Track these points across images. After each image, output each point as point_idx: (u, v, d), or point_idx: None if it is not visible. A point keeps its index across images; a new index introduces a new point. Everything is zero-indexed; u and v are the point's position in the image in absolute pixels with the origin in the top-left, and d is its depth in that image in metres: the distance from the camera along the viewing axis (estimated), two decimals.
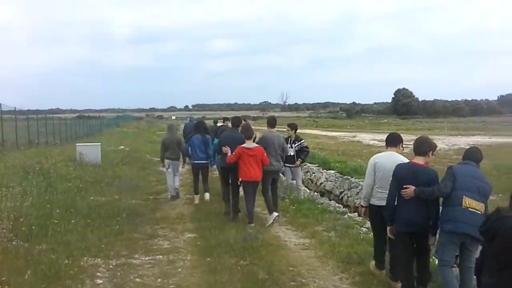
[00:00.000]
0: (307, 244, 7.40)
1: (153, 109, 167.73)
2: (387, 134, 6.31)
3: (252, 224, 8.35)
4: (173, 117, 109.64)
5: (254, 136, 8.98)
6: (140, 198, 10.80)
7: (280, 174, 10.58)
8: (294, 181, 11.19)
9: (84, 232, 7.35)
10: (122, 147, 24.73)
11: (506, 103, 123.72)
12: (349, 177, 14.35)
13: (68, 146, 22.31)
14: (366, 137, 33.12)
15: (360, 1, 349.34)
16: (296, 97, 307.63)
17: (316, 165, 17.28)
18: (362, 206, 6.16)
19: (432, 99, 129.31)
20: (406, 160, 5.70)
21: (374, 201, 5.76)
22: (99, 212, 8.53)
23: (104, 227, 7.74)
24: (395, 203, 5.26)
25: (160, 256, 6.67)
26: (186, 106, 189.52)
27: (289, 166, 10.86)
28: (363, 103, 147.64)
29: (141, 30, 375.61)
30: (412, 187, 5.09)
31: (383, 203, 5.53)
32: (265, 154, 8.49)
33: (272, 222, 8.51)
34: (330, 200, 12.32)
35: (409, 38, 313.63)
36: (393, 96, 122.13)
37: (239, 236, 7.41)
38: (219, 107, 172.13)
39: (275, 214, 8.62)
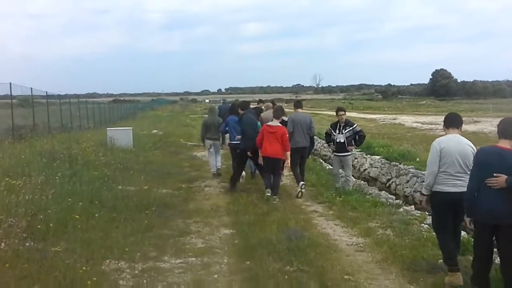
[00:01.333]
0: (361, 245, 6.38)
1: (187, 93, 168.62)
2: (446, 114, 5.65)
3: (269, 194, 8.83)
4: (207, 101, 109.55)
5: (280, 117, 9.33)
6: (172, 187, 9.97)
7: (328, 165, 9.65)
8: (341, 171, 10.09)
9: (109, 228, 6.54)
10: (155, 131, 24.16)
11: None
12: (396, 163, 13.16)
13: (101, 131, 21.76)
14: (407, 120, 31.49)
15: None
16: (329, 79, 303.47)
17: (358, 150, 16.07)
18: (423, 195, 5.45)
19: (471, 80, 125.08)
20: (471, 143, 5.21)
21: (443, 188, 5.14)
22: (127, 204, 7.71)
23: (131, 222, 6.91)
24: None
25: (193, 259, 5.76)
26: (219, 90, 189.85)
27: (338, 155, 9.85)
28: (398, 84, 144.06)
29: (173, 15, 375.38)
30: (504, 176, 4.33)
31: (454, 189, 5.06)
32: (286, 135, 8.99)
33: (301, 191, 9.32)
34: (377, 188, 11.19)
35: (446, 17, 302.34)
36: (431, 77, 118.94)
37: (282, 234, 6.48)
38: (252, 90, 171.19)
39: (301, 182, 9.41)
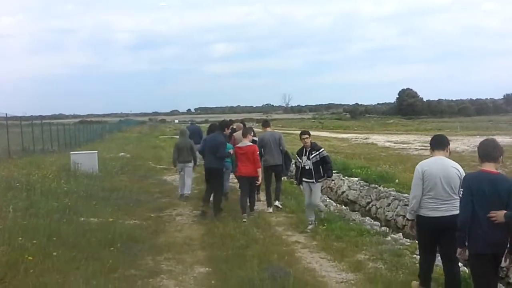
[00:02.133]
0: (352, 282, 5.77)
1: (155, 113, 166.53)
2: (432, 136, 5.55)
3: (245, 215, 8.97)
4: (176, 121, 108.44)
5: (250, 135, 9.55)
6: (140, 217, 9.18)
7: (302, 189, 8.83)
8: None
9: (67, 270, 5.73)
10: (123, 153, 23.15)
11: None
12: (375, 185, 12.71)
13: (66, 154, 20.60)
14: (379, 139, 31.34)
15: (360, 3, 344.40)
16: (298, 99, 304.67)
17: (335, 171, 15.57)
18: (408, 219, 5.48)
19: (436, 99, 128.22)
20: (457, 165, 5.10)
21: (425, 212, 5.08)
22: (89, 240, 6.89)
23: (93, 261, 6.09)
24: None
25: None
26: (189, 110, 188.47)
27: (307, 181, 8.54)
28: (366, 103, 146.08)
29: (142, 35, 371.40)
30: (502, 212, 4.10)
31: (438, 213, 4.99)
32: (257, 152, 9.19)
33: (271, 211, 9.69)
34: (359, 213, 10.57)
35: (410, 39, 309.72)
36: (398, 96, 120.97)
37: (265, 272, 5.81)
38: (222, 110, 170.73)
39: (276, 203, 9.92)
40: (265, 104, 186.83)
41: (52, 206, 8.46)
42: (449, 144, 5.32)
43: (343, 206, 11.10)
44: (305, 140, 8.48)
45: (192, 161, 11.39)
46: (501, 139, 27.30)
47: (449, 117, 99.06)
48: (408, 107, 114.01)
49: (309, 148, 8.49)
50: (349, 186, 13.92)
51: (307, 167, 8.44)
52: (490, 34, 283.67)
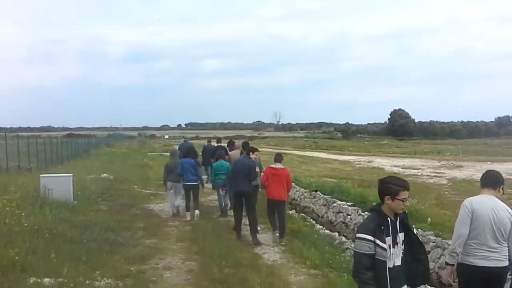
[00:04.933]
0: None
1: (145, 128, 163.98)
2: (483, 173, 4.74)
3: (277, 234, 9.26)
4: (166, 137, 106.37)
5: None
6: (114, 273, 6.86)
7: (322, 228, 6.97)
8: None
9: None
10: (106, 175, 20.75)
11: (503, 125, 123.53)
12: None
13: (43, 173, 18.29)
14: (384, 163, 29.20)
15: (351, 24, 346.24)
16: (289, 117, 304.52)
17: (349, 203, 13.42)
18: (447, 264, 4.59)
19: (427, 120, 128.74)
20: (509, 208, 4.41)
21: (473, 260, 4.36)
22: None
23: None
24: None
25: None
26: (179, 125, 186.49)
27: None
28: (356, 123, 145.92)
29: (134, 48, 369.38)
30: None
31: (486, 262, 4.28)
32: (290, 176, 9.33)
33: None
34: None
35: (401, 60, 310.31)
36: (389, 116, 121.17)
37: None
38: (212, 126, 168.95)
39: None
40: (256, 121, 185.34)
41: None
42: (503, 183, 4.57)
43: None
44: (405, 203, 3.50)
45: (182, 180, 11.76)
46: None
47: (441, 139, 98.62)
48: (400, 128, 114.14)
49: (396, 219, 3.56)
50: None
51: (391, 264, 3.45)
52: (480, 57, 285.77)
